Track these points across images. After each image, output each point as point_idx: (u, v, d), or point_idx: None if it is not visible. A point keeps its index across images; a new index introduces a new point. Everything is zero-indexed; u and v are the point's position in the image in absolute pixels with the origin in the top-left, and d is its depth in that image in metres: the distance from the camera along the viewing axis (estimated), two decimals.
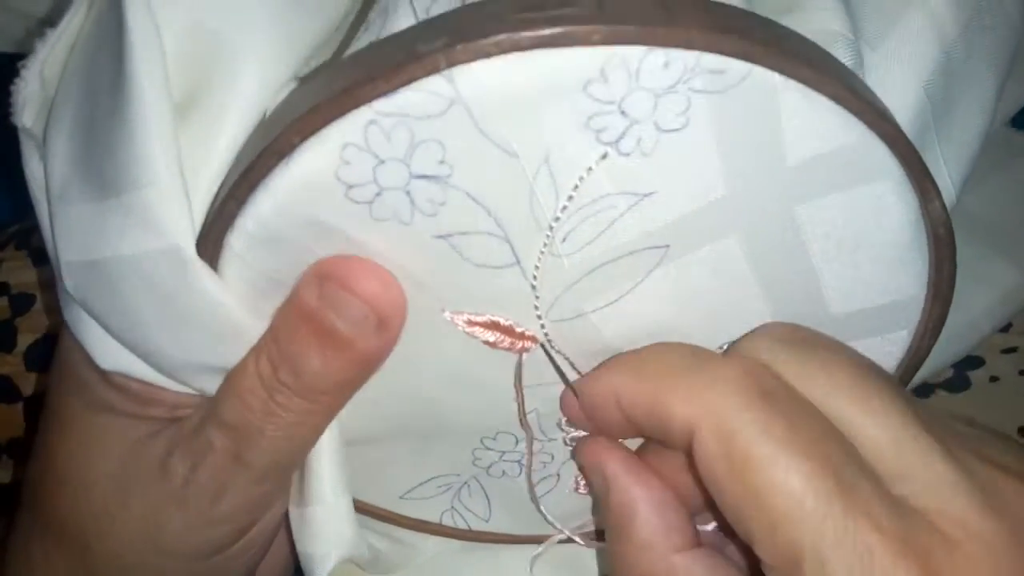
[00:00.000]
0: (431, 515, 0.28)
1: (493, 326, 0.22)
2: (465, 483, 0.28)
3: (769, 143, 0.20)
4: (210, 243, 0.20)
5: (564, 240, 0.21)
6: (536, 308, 0.22)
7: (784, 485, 0.18)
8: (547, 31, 0.17)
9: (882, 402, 0.19)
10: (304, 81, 0.22)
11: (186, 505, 0.23)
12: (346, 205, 0.19)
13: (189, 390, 0.23)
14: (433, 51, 0.17)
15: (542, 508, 0.28)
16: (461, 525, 0.29)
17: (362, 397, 0.24)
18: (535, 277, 0.21)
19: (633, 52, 0.18)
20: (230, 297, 0.21)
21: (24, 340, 0.36)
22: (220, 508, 0.23)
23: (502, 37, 0.17)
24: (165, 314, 0.21)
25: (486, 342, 0.23)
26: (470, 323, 0.22)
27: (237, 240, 0.20)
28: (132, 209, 0.20)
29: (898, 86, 0.24)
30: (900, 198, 0.21)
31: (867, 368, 0.20)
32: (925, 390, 0.35)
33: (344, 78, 0.18)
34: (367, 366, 0.22)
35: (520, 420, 0.25)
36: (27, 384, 0.36)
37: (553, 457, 0.27)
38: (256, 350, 0.22)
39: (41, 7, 0.35)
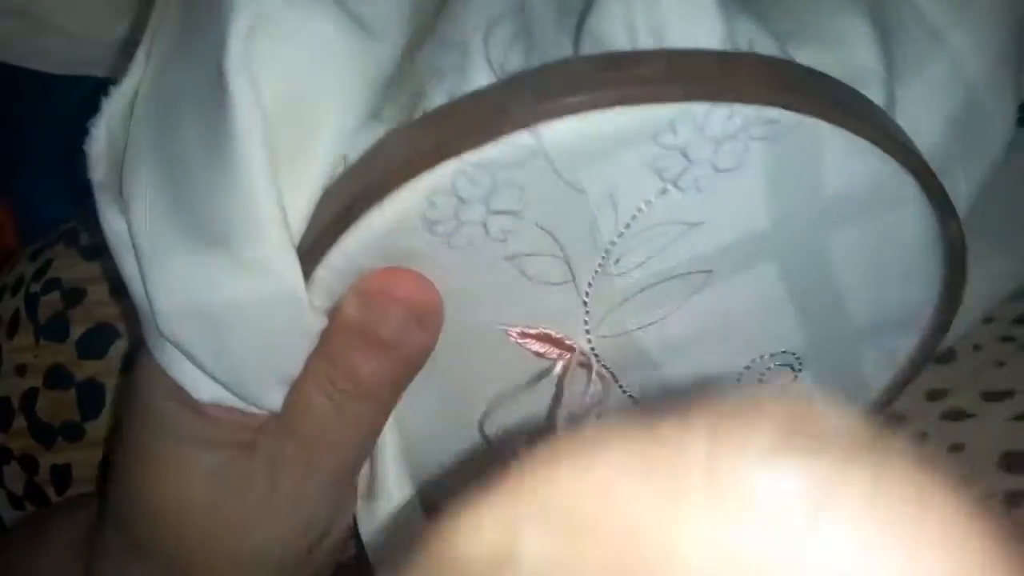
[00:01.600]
0: None
1: (544, 338, 0.24)
2: None
3: (811, 181, 0.22)
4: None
5: (617, 262, 0.23)
6: (586, 324, 0.24)
7: None
8: (626, 90, 0.19)
9: None
10: (395, 132, 0.23)
11: (271, 518, 0.25)
12: (427, 238, 0.21)
13: (273, 411, 0.25)
14: (522, 109, 0.19)
15: None
16: None
17: (422, 409, 0.26)
18: (587, 295, 0.23)
19: (701, 107, 0.20)
20: (320, 325, 0.23)
21: (76, 330, 0.39)
22: (302, 515, 0.25)
23: (586, 97, 0.19)
24: (265, 349, 0.23)
25: (536, 353, 0.25)
26: (523, 335, 0.24)
27: (323, 273, 0.22)
28: (243, 260, 0.22)
29: (924, 122, 0.25)
30: (921, 223, 0.23)
31: None
32: None
33: (435, 133, 0.20)
34: (414, 362, 0.24)
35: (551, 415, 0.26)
36: (79, 371, 0.39)
37: None
38: (312, 367, 0.24)
39: (94, 31, 0.37)
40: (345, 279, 0.23)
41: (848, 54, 0.24)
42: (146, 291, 0.23)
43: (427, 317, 0.24)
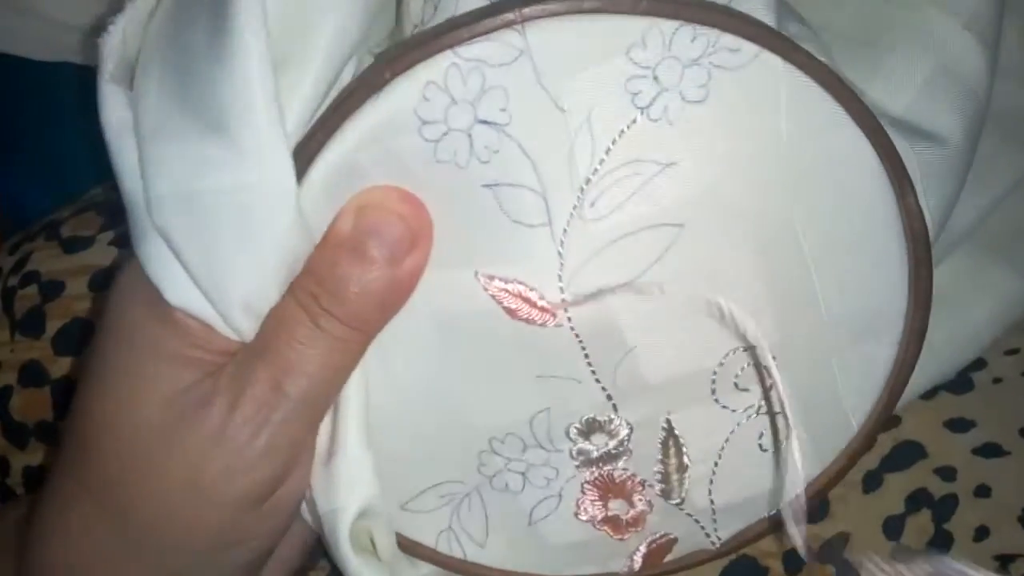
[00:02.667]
0: (428, 535, 0.28)
1: (518, 295, 0.24)
2: (467, 495, 0.28)
3: (770, 122, 0.23)
4: (296, 172, 0.23)
5: (592, 204, 0.23)
6: (560, 277, 0.24)
7: None
8: (603, 1, 0.21)
9: None
10: (395, 43, 0.25)
11: (225, 444, 0.24)
12: (417, 141, 0.22)
13: (236, 337, 0.24)
14: (511, 7, 0.21)
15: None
16: (456, 553, 0.29)
17: (384, 369, 0.25)
18: (562, 242, 0.23)
19: (668, 24, 0.22)
20: (304, 231, 0.23)
21: (52, 326, 0.38)
22: (257, 446, 0.24)
23: (568, 2, 0.21)
24: (245, 242, 0.23)
25: (507, 308, 0.24)
26: (499, 289, 0.24)
27: (318, 172, 0.23)
28: (235, 146, 0.22)
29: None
30: (879, 191, 0.24)
31: None
32: (929, 391, 0.35)
33: (433, 32, 0.22)
34: (401, 288, 0.24)
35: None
36: (56, 368, 0.37)
37: (558, 473, 0.27)
38: (294, 285, 0.23)
39: (77, 17, 0.36)
40: (343, 183, 0.23)
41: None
42: (144, 176, 0.23)
43: (420, 238, 0.23)
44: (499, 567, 0.29)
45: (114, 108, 0.24)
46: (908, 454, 0.34)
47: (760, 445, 0.27)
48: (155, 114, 0.23)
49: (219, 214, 0.23)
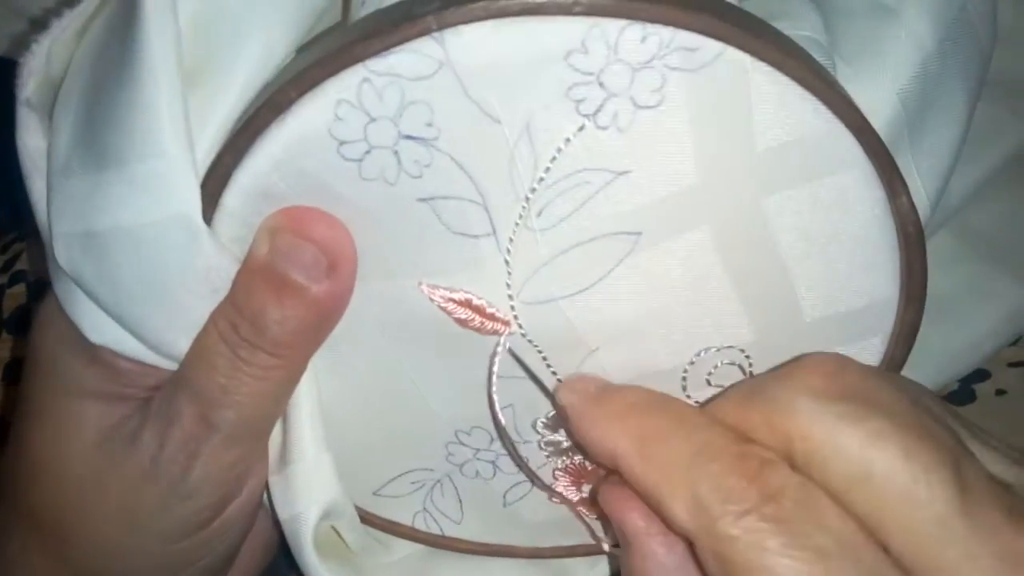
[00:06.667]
0: (403, 516, 0.28)
1: (466, 304, 0.23)
2: (438, 481, 0.27)
3: (739, 127, 0.20)
4: (205, 200, 0.21)
5: (539, 214, 0.21)
6: (508, 286, 0.22)
7: None
8: (534, 0, 0.18)
9: (929, 486, 0.18)
10: (303, 49, 0.22)
11: (158, 479, 0.23)
12: (337, 162, 0.20)
13: (174, 366, 0.23)
14: (425, 13, 0.19)
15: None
16: (433, 529, 0.28)
17: (343, 371, 0.24)
18: (509, 251, 0.22)
19: (612, 24, 0.19)
20: (227, 259, 0.22)
21: None
22: (191, 478, 0.23)
23: (492, 4, 0.18)
24: (161, 281, 0.22)
25: (458, 319, 0.23)
26: (445, 299, 0.23)
27: (232, 197, 0.21)
28: (137, 179, 0.20)
29: (874, 93, 0.24)
30: (867, 191, 0.22)
31: (922, 435, 0.18)
32: None
33: (342, 39, 0.19)
34: (324, 312, 0.22)
35: (492, 415, 0.25)
36: None
37: (528, 461, 0.26)
38: (215, 314, 0.22)
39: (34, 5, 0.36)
40: (260, 206, 0.21)
41: (791, 24, 0.24)
42: (48, 213, 0.22)
43: (340, 262, 0.22)
44: (477, 540, 0.28)
45: (30, 135, 0.23)
46: None
47: None
48: (65, 148, 0.22)
49: (121, 251, 0.21)
